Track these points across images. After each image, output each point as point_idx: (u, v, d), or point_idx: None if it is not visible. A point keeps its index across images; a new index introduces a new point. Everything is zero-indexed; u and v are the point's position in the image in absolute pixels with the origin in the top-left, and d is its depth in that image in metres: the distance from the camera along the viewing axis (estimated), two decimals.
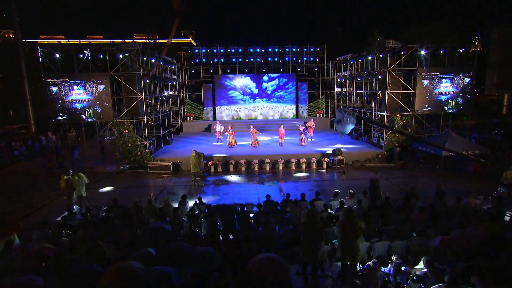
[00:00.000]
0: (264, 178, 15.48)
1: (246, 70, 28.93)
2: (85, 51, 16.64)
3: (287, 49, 28.46)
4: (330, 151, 17.07)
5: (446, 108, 17.79)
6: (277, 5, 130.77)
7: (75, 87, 16.26)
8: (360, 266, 6.30)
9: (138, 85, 17.29)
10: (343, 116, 6.48)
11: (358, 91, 22.48)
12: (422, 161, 16.80)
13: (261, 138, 20.38)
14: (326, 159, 16.80)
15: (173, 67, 24.57)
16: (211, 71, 28.25)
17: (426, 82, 17.37)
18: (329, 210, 8.81)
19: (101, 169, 16.73)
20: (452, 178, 14.36)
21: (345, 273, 6.22)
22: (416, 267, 6.02)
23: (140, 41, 36.83)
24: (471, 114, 18.80)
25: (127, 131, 16.47)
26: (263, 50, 28.46)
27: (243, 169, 16.50)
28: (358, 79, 21.99)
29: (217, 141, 20.59)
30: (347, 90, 24.45)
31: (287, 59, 28.63)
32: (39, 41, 59.06)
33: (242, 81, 28.09)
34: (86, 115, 16.43)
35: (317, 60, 28.72)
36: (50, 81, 16.16)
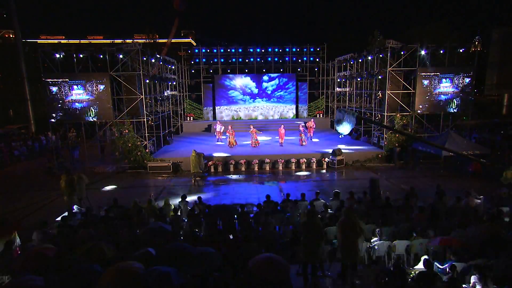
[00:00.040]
0: (264, 178, 15.49)
1: (246, 70, 28.91)
2: (85, 51, 16.66)
3: (287, 49, 28.44)
4: (330, 151, 17.07)
5: (446, 108, 17.80)
6: (277, 5, 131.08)
7: (75, 87, 16.25)
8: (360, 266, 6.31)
9: (138, 85, 17.29)
10: (343, 116, 6.47)
11: (358, 91, 22.48)
12: (422, 161, 16.80)
13: (261, 138, 20.37)
14: (326, 159, 16.81)
15: (173, 67, 24.57)
16: (211, 71, 28.24)
17: (426, 82, 17.37)
18: (329, 210, 8.82)
19: (101, 169, 16.74)
20: (452, 178, 14.37)
21: (345, 273, 6.21)
22: (416, 267, 6.02)
23: (140, 41, 36.93)
24: (471, 114, 18.81)
25: (127, 131, 16.48)
26: (263, 50, 28.44)
27: (243, 169, 16.51)
28: (358, 79, 21.99)
29: (217, 141, 20.61)
30: (347, 90, 24.44)
31: (287, 59, 28.61)
32: (39, 41, 59.25)
33: (242, 81, 28.09)
34: (88, 115, 16.44)
35: (317, 60, 28.69)
36: (50, 81, 16.17)
